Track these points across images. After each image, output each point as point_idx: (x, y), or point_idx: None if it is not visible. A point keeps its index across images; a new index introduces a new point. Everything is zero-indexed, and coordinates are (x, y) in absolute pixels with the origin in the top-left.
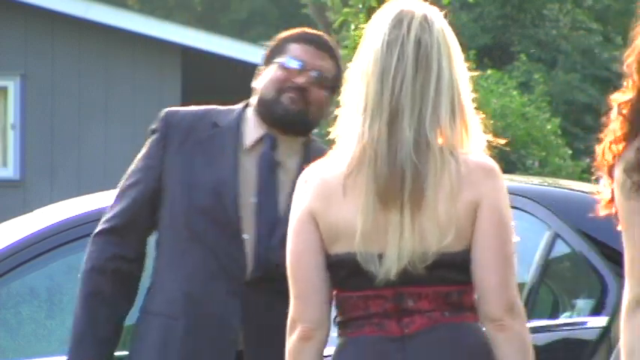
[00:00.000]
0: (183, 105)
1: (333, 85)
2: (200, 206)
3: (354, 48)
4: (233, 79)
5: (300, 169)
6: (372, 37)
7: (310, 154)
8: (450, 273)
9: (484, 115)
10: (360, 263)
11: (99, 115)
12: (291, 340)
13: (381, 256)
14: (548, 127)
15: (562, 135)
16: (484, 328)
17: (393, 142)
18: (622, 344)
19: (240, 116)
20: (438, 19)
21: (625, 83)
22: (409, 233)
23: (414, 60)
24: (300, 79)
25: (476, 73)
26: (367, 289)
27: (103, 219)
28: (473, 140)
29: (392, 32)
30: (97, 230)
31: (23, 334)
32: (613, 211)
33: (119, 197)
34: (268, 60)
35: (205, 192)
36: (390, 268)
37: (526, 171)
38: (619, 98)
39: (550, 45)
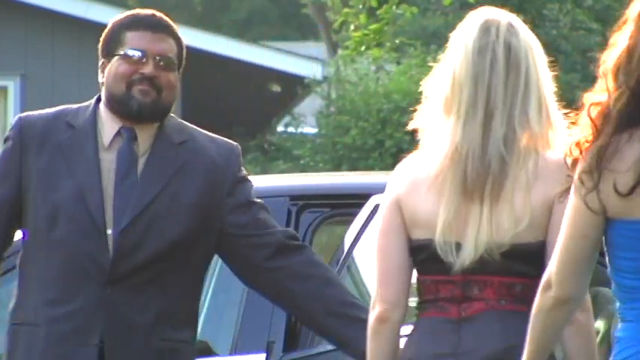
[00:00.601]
0: (183, 105)
1: (179, 63)
2: (64, 211)
3: (355, 49)
4: (233, 79)
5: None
6: (461, 44)
7: (166, 131)
8: (520, 265)
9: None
10: (438, 251)
11: None
12: (370, 319)
13: (458, 245)
14: None
15: None
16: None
17: (486, 141)
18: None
19: (94, 114)
20: (521, 25)
21: (598, 84)
22: (487, 224)
23: (505, 63)
24: (147, 69)
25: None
26: (440, 275)
27: None
28: (558, 137)
29: (482, 38)
30: None
31: None
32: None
33: None
34: (107, 52)
35: (69, 197)
36: (466, 258)
37: None
38: (590, 98)
39: (550, 45)
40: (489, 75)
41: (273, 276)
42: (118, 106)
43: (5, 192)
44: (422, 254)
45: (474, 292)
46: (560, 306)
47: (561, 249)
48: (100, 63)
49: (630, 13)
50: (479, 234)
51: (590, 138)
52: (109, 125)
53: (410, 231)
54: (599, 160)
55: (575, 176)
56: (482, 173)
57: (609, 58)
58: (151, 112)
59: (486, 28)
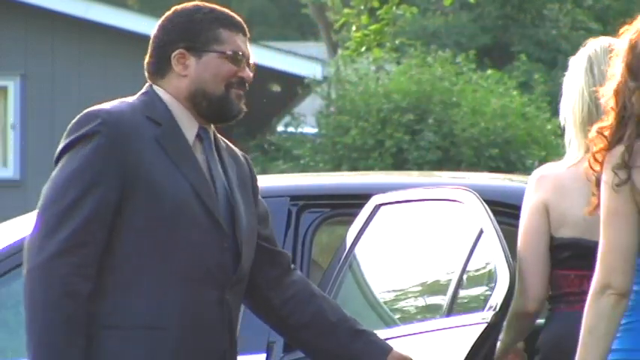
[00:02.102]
0: None
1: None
2: (186, 211)
3: (356, 49)
4: None
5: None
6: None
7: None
8: None
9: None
10: (584, 247)
11: None
12: (510, 314)
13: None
14: (548, 127)
15: (562, 135)
16: None
17: None
18: (584, 323)
19: (168, 110)
20: None
21: (604, 117)
22: None
23: None
24: (246, 74)
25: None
26: (584, 270)
27: (56, 238)
28: None
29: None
30: (51, 252)
31: (23, 334)
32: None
33: (69, 212)
34: (195, 45)
35: (188, 196)
36: None
37: (526, 171)
38: (600, 125)
39: (550, 45)
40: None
41: (282, 293)
42: (211, 106)
43: (106, 192)
44: (566, 252)
45: None
46: (622, 301)
47: (607, 247)
48: (178, 53)
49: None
50: None
51: (601, 149)
52: (187, 123)
53: (554, 231)
54: (628, 158)
55: (607, 176)
56: None
57: (607, 93)
58: (238, 118)
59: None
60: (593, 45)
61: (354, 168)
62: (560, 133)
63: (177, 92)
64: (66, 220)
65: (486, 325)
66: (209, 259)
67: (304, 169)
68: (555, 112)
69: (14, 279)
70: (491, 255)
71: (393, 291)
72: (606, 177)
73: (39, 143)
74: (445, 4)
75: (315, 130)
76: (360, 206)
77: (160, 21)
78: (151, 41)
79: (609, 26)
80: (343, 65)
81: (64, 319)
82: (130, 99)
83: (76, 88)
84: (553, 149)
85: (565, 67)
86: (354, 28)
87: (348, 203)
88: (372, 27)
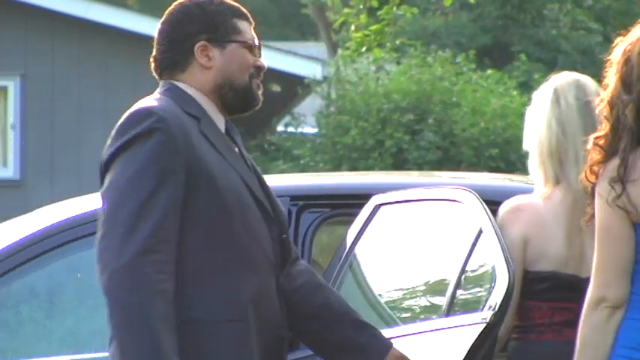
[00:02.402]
0: None
1: None
2: (242, 202)
3: (356, 49)
4: None
5: None
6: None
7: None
8: None
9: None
10: (561, 279)
11: (99, 115)
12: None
13: (576, 277)
14: None
15: None
16: None
17: None
18: (579, 336)
19: (199, 104)
20: None
21: (600, 126)
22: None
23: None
24: (262, 63)
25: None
26: (558, 301)
27: (137, 237)
28: None
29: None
30: (135, 251)
31: (23, 334)
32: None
33: (144, 211)
34: (216, 35)
35: (241, 187)
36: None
37: (526, 171)
38: (595, 134)
39: (550, 45)
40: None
41: (291, 282)
42: (236, 96)
43: (175, 187)
44: (543, 284)
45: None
46: (616, 313)
47: (602, 261)
48: (201, 45)
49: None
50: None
51: (598, 160)
52: (215, 115)
53: (532, 264)
54: (623, 173)
55: (602, 189)
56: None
57: (601, 104)
58: (257, 108)
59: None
60: (559, 79)
61: (354, 168)
62: None
63: (202, 85)
64: (143, 218)
65: (485, 324)
66: (266, 247)
67: (304, 169)
68: None
69: (14, 279)
70: (491, 255)
71: (393, 291)
72: (601, 190)
73: (39, 143)
74: (445, 5)
75: (315, 130)
76: (360, 206)
77: (166, 16)
78: (161, 37)
79: (609, 26)
80: (343, 65)
81: (160, 318)
82: (158, 96)
83: (76, 88)
84: None
85: (565, 67)
86: (352, 27)
87: (348, 203)
88: (373, 27)
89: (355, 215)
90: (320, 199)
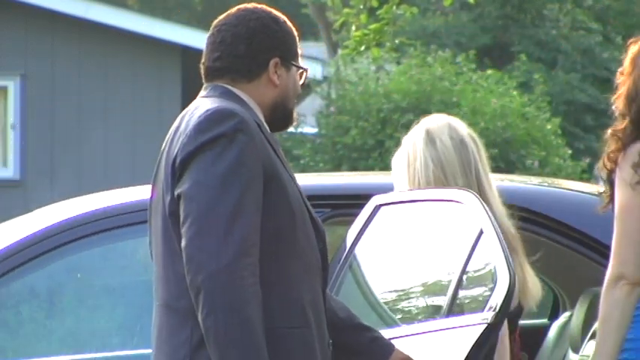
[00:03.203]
0: (184, 104)
1: None
2: (302, 210)
3: (355, 48)
4: None
5: None
6: None
7: None
8: None
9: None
10: None
11: (99, 115)
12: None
13: None
14: (548, 127)
15: (562, 135)
16: None
17: None
18: (600, 313)
19: (255, 112)
20: None
21: (616, 122)
22: None
23: None
24: (300, 90)
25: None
26: None
27: (233, 240)
28: None
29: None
30: (233, 254)
31: (23, 334)
32: (610, 210)
33: (236, 214)
34: (288, 57)
35: (299, 194)
36: None
37: (526, 171)
38: (614, 127)
39: (550, 45)
40: None
41: None
42: (283, 116)
43: (259, 190)
44: None
45: None
46: (635, 290)
47: (622, 239)
48: (275, 62)
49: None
50: None
51: (616, 149)
52: (266, 127)
53: None
54: None
55: (625, 173)
56: None
57: (619, 99)
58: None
59: None
60: (430, 121)
61: (354, 168)
62: (560, 133)
63: (262, 99)
64: (237, 220)
65: (486, 325)
66: (317, 256)
67: (304, 169)
68: (555, 112)
69: (15, 279)
70: (491, 255)
71: (394, 291)
72: (624, 174)
73: (39, 143)
74: (445, 4)
75: (315, 130)
76: (361, 206)
77: (240, 20)
78: (236, 39)
79: (609, 26)
80: (343, 65)
81: (260, 321)
82: (222, 98)
83: (76, 88)
84: (553, 149)
85: (565, 67)
86: (353, 27)
87: (348, 203)
88: (372, 26)
89: (356, 215)
90: (320, 199)
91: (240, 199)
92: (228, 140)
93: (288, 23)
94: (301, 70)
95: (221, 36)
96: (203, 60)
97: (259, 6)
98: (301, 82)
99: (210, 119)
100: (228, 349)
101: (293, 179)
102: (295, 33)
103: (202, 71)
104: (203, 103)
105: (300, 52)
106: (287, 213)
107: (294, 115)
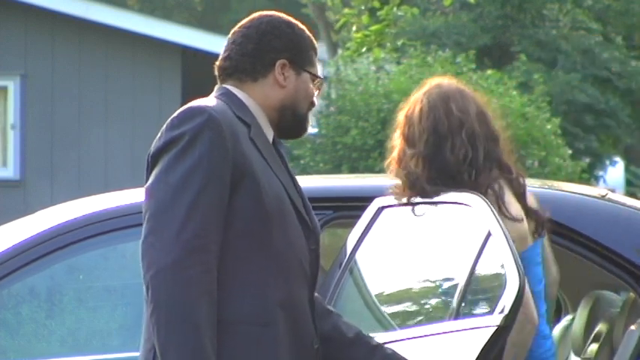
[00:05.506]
0: (182, 105)
1: None
2: (284, 211)
3: (356, 50)
4: None
5: None
6: None
7: None
8: None
9: None
10: None
11: (99, 115)
12: None
13: None
14: (548, 127)
15: (562, 135)
16: None
17: None
18: None
19: (252, 114)
20: None
21: None
22: None
23: None
24: (316, 100)
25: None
26: None
27: (184, 238)
28: None
29: None
30: (181, 251)
31: (23, 334)
32: None
33: (191, 212)
34: (299, 61)
35: (284, 196)
36: None
37: (526, 171)
38: None
39: (550, 45)
40: None
41: None
42: (294, 121)
43: (222, 189)
44: None
45: None
46: None
47: None
48: (282, 62)
49: None
50: None
51: None
52: (265, 126)
53: None
54: None
55: None
56: None
57: None
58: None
59: None
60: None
61: (354, 168)
62: (560, 133)
63: (266, 100)
64: (192, 217)
65: (496, 328)
66: (303, 258)
67: (304, 169)
68: (555, 112)
69: (16, 281)
70: (500, 258)
71: (398, 293)
72: None
73: (39, 143)
74: (445, 4)
75: (315, 130)
76: (363, 209)
77: (252, 22)
78: (245, 40)
79: (609, 26)
80: (343, 65)
81: (205, 319)
82: (213, 98)
83: (76, 88)
84: (553, 149)
85: (565, 67)
86: (354, 28)
87: (350, 206)
88: (373, 27)
89: (358, 218)
90: (323, 201)
91: (198, 196)
92: (193, 137)
93: (306, 31)
94: (317, 80)
95: (234, 38)
96: (217, 61)
97: (277, 13)
98: (317, 93)
99: (181, 117)
100: (167, 345)
101: (283, 182)
102: (313, 42)
103: (215, 72)
104: (191, 102)
105: (318, 63)
106: (259, 213)
107: (307, 121)
